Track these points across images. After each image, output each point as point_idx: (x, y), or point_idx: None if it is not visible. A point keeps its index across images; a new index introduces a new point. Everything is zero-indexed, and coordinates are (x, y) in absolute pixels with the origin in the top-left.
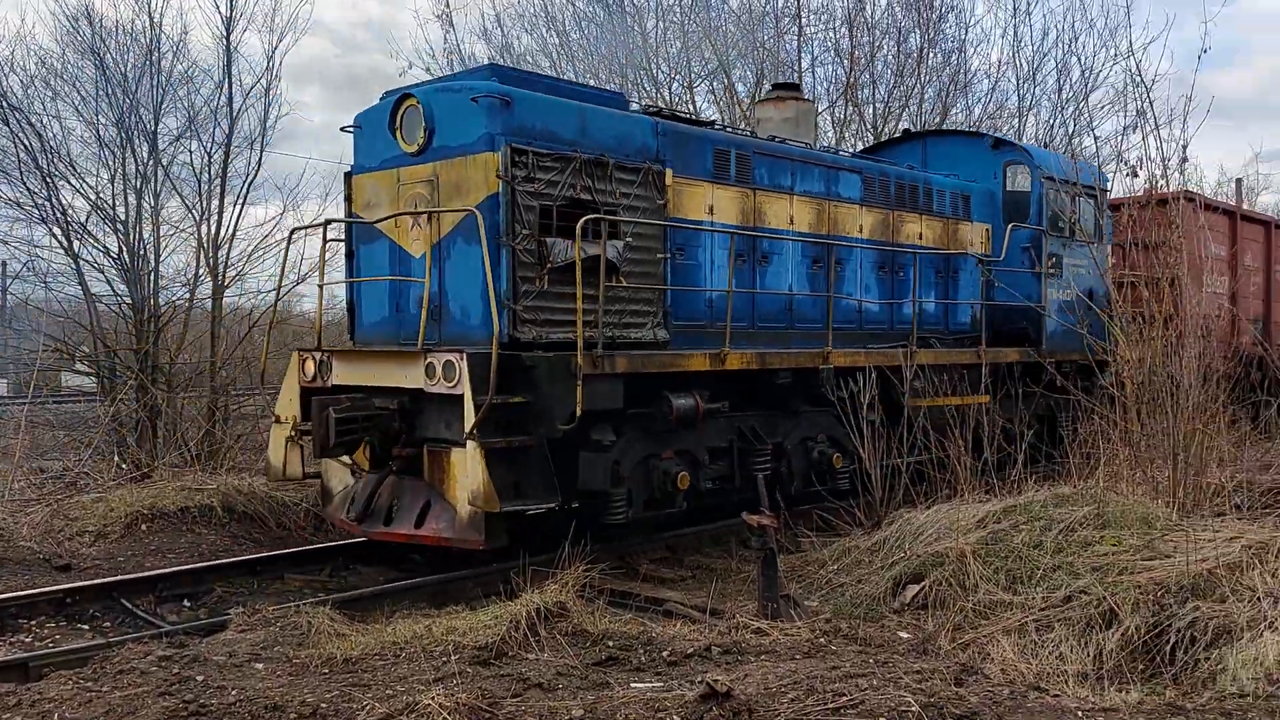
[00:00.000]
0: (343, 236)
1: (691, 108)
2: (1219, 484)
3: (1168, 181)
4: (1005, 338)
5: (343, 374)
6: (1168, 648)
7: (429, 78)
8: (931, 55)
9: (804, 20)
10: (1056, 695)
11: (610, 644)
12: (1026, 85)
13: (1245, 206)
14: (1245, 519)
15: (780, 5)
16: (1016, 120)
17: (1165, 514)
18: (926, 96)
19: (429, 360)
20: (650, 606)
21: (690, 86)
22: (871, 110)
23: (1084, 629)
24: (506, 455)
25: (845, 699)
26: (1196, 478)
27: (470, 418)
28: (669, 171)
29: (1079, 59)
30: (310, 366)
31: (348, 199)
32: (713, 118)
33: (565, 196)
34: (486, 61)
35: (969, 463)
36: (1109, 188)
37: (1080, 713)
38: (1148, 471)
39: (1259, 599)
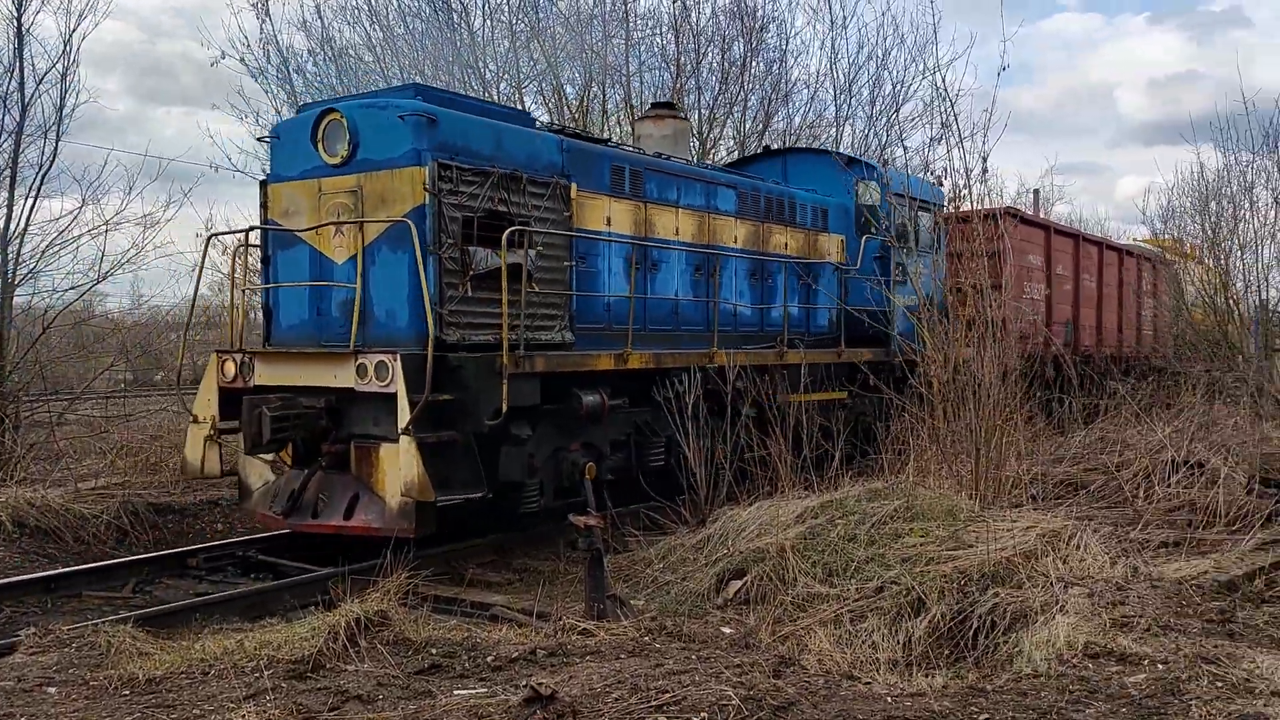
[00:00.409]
0: (257, 243)
1: (520, 104)
2: (1017, 477)
3: (970, 191)
4: (858, 340)
5: (266, 374)
6: (971, 633)
7: (244, 68)
8: (754, 64)
9: (631, 25)
10: (868, 683)
11: (434, 651)
12: (843, 96)
13: (1044, 216)
14: (1040, 509)
15: (608, 9)
16: (834, 130)
17: (969, 506)
18: (750, 104)
19: (360, 361)
20: (476, 612)
21: (519, 87)
22: (698, 116)
23: (895, 618)
24: (437, 449)
25: (668, 696)
26: (996, 471)
27: (406, 414)
28: (574, 186)
29: (890, 73)
30: (230, 368)
31: (264, 206)
32: (558, 124)
33: (484, 208)
34: (306, 52)
35: (790, 460)
36: (944, 203)
37: (890, 698)
38: (953, 466)
39: (1052, 584)
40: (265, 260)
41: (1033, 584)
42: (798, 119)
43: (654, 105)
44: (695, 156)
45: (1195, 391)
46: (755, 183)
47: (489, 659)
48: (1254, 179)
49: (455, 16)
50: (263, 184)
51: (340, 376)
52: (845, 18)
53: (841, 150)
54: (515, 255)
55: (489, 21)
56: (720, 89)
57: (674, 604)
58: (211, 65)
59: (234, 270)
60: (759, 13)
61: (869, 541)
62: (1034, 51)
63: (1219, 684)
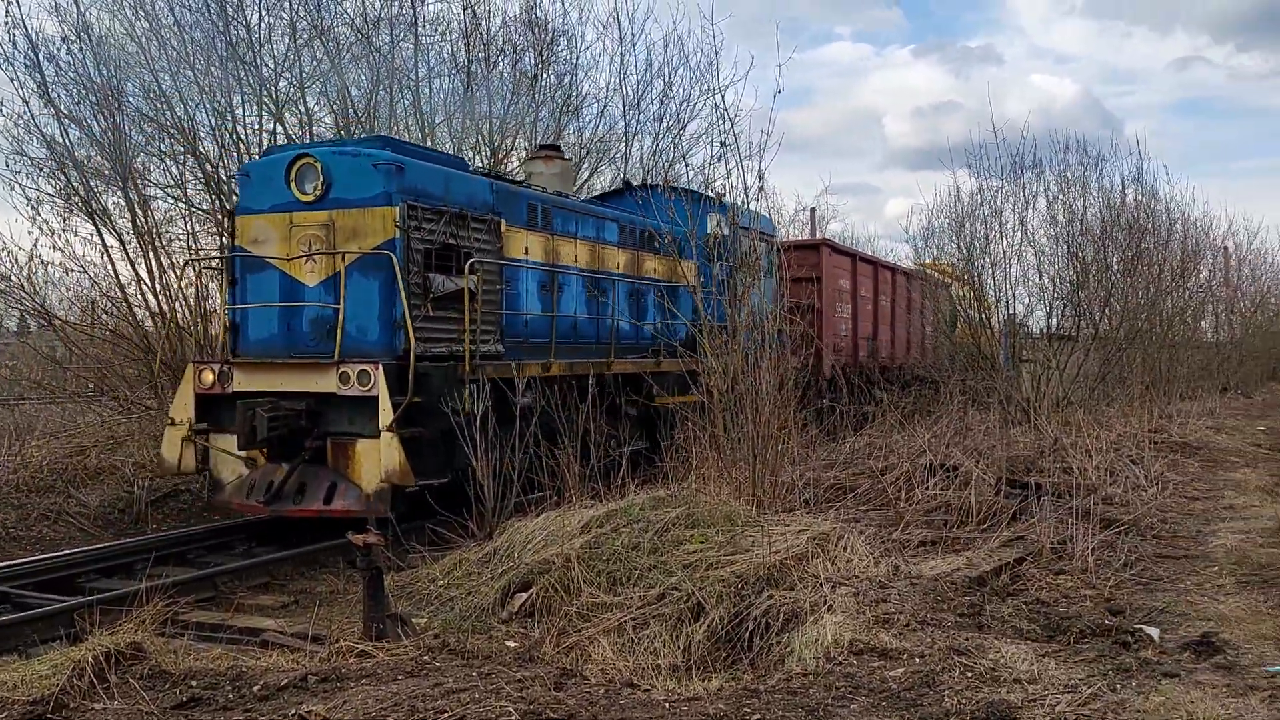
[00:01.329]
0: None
1: (303, 106)
2: (791, 482)
3: (748, 203)
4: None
5: (245, 382)
6: (747, 635)
7: None
8: (546, 76)
9: (420, 29)
10: (648, 690)
11: (194, 684)
12: (632, 112)
13: (820, 235)
14: (811, 513)
15: (396, 12)
16: (624, 145)
17: (746, 511)
18: (541, 116)
19: (343, 369)
20: (245, 638)
21: (301, 87)
22: (489, 126)
23: (676, 624)
24: (411, 443)
25: (446, 716)
26: (772, 477)
27: (389, 414)
28: (502, 221)
29: (674, 91)
30: (209, 376)
31: (231, 235)
32: (485, 168)
33: (440, 241)
34: (59, 39)
35: (577, 469)
36: (776, 235)
37: (668, 704)
38: (732, 473)
39: (821, 585)
40: (233, 282)
41: (804, 585)
42: (589, 132)
43: (541, 147)
44: (480, 167)
45: (953, 399)
46: (632, 217)
47: (255, 689)
48: (1003, 203)
49: (230, 9)
50: (230, 214)
51: (321, 383)
52: (634, 35)
53: (631, 162)
54: (455, 283)
55: (268, 16)
56: (512, 99)
57: (458, 620)
58: None
59: (223, 289)
60: (550, 25)
61: (652, 549)
62: (812, 77)
63: (969, 674)
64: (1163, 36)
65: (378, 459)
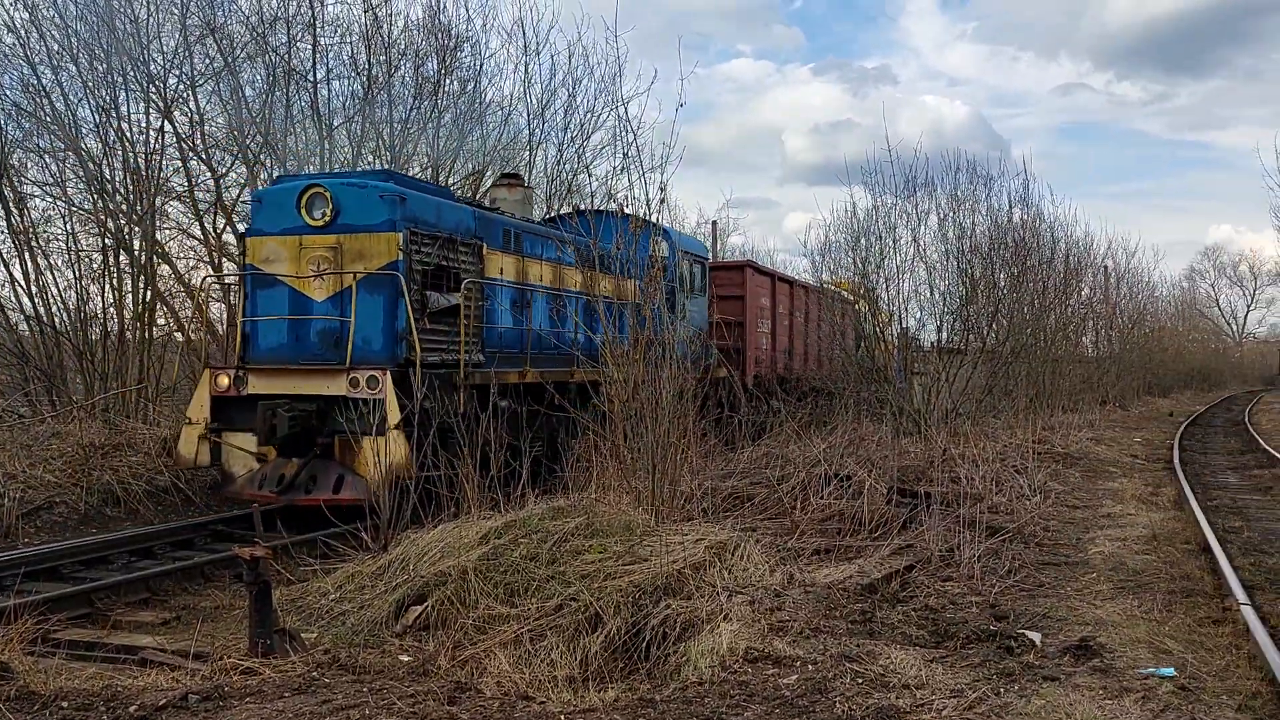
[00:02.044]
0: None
1: (194, 104)
2: (689, 491)
3: (650, 214)
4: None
5: (259, 385)
6: (644, 645)
7: None
8: (449, 82)
9: (319, 30)
10: (543, 702)
11: (65, 705)
12: (537, 121)
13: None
14: (710, 522)
15: (293, 11)
16: (528, 154)
17: (645, 521)
18: (444, 122)
19: (353, 375)
20: (122, 656)
21: (192, 84)
22: (389, 130)
23: (574, 635)
24: (412, 440)
25: None
26: (671, 486)
27: (395, 415)
28: (484, 245)
29: (578, 102)
30: (224, 380)
31: (243, 254)
32: (465, 198)
33: (434, 263)
34: None
35: (476, 479)
36: (709, 258)
37: (563, 716)
38: (631, 482)
39: (718, 593)
40: (245, 296)
41: (701, 594)
42: (492, 140)
43: (504, 175)
44: (348, 157)
45: (848, 411)
46: (586, 240)
47: (131, 709)
48: (896, 220)
49: (116, 2)
50: (241, 236)
51: (331, 387)
52: (539, 44)
53: (535, 170)
54: (457, 298)
55: (157, 10)
56: (414, 103)
57: (350, 635)
58: None
59: (242, 304)
60: (453, 31)
61: (550, 560)
62: (715, 93)
63: (860, 680)
64: (1048, 62)
65: (384, 453)
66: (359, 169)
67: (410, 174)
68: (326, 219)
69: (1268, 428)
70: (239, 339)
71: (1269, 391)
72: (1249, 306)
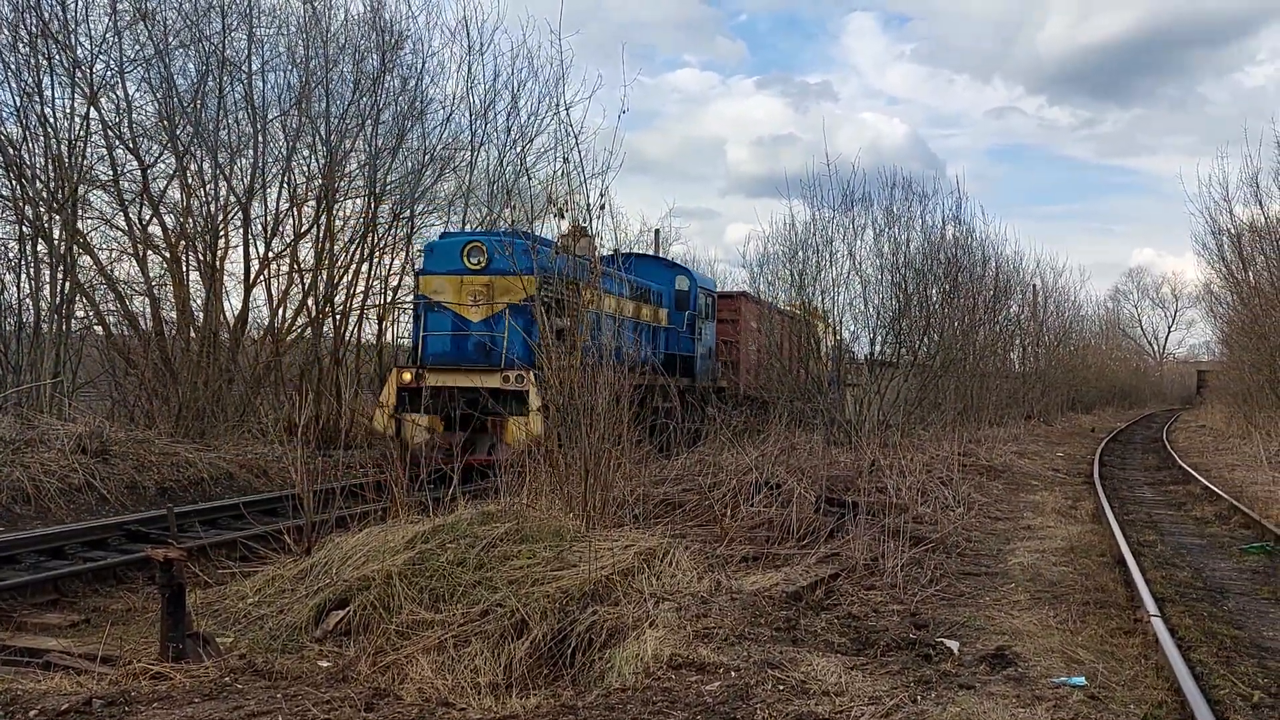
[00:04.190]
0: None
1: (123, 91)
2: (621, 497)
3: (591, 222)
4: (678, 371)
5: (433, 380)
6: (570, 652)
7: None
8: (389, 78)
9: (255, 20)
10: (463, 709)
11: None
12: (479, 122)
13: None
14: (640, 528)
15: (229, 0)
16: (469, 154)
17: (575, 526)
18: (383, 119)
19: (505, 373)
20: (25, 659)
21: (121, 71)
22: (326, 125)
23: (499, 641)
24: (547, 419)
25: None
26: (603, 492)
27: (536, 400)
28: (580, 284)
29: (521, 104)
30: (408, 376)
31: (417, 287)
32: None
33: (552, 297)
34: None
35: (405, 483)
36: (717, 291)
37: None
38: (564, 488)
39: (645, 600)
40: (417, 317)
41: (629, 601)
42: (434, 138)
43: (573, 227)
44: (281, 151)
45: (781, 420)
46: (638, 280)
47: (31, 714)
48: (833, 233)
49: None
50: (418, 274)
51: (488, 381)
52: (482, 45)
53: (477, 171)
54: (563, 322)
55: None
56: (353, 98)
57: (267, 639)
58: None
59: (421, 325)
60: (395, 28)
61: (478, 565)
62: (660, 102)
63: (781, 687)
64: (983, 85)
65: (526, 427)
66: (501, 228)
67: (347, 171)
68: (481, 264)
69: (1184, 445)
70: (417, 348)
71: (1186, 410)
72: (1170, 328)
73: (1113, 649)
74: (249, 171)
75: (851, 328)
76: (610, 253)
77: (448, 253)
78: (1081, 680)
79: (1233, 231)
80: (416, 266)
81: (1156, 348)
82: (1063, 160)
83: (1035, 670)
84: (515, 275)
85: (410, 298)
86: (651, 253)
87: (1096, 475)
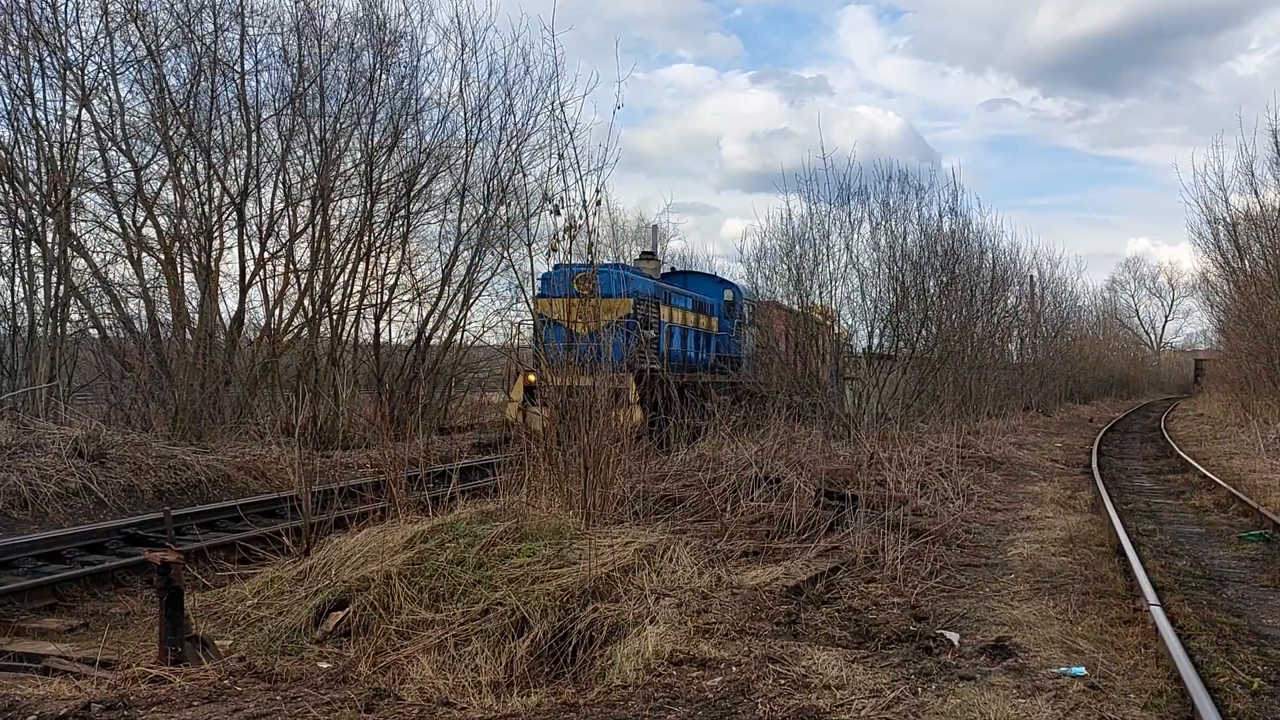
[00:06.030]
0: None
1: (115, 93)
2: (622, 494)
3: (587, 220)
4: (725, 370)
5: (553, 380)
6: (570, 649)
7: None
8: (384, 78)
9: (247, 19)
10: (464, 708)
11: None
12: (474, 120)
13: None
14: (640, 525)
15: (220, 1)
16: (464, 152)
17: (575, 524)
18: (379, 118)
19: (610, 375)
20: (24, 664)
21: (113, 72)
22: (320, 125)
23: (499, 639)
24: (645, 410)
25: None
26: (603, 489)
27: (636, 395)
28: (660, 302)
29: (516, 102)
30: (532, 377)
31: (537, 308)
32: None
33: (643, 315)
34: None
35: (405, 483)
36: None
37: None
38: (564, 486)
39: (646, 596)
40: (537, 330)
41: (629, 597)
42: (429, 137)
43: (643, 254)
44: (276, 151)
45: (781, 414)
46: (694, 294)
47: (29, 719)
48: (830, 227)
49: None
50: (537, 297)
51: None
52: (476, 43)
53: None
54: (652, 332)
55: None
56: (348, 97)
57: (267, 641)
58: None
59: (539, 339)
60: (389, 26)
61: (477, 564)
62: (655, 97)
63: (783, 681)
64: (976, 78)
65: (629, 417)
66: (606, 263)
67: (342, 170)
68: (588, 290)
69: (1182, 434)
70: (542, 356)
71: (1184, 399)
72: (1167, 317)
73: (1112, 638)
74: (243, 172)
75: (850, 321)
76: (669, 270)
77: (563, 279)
78: (1081, 670)
79: (1229, 220)
80: (536, 291)
81: (1154, 337)
82: (1057, 151)
83: (1035, 661)
84: (614, 298)
85: (406, 297)
86: (702, 270)
87: (1095, 465)
